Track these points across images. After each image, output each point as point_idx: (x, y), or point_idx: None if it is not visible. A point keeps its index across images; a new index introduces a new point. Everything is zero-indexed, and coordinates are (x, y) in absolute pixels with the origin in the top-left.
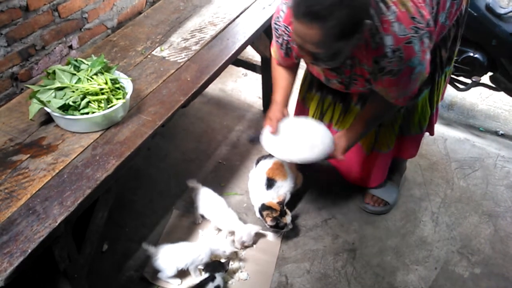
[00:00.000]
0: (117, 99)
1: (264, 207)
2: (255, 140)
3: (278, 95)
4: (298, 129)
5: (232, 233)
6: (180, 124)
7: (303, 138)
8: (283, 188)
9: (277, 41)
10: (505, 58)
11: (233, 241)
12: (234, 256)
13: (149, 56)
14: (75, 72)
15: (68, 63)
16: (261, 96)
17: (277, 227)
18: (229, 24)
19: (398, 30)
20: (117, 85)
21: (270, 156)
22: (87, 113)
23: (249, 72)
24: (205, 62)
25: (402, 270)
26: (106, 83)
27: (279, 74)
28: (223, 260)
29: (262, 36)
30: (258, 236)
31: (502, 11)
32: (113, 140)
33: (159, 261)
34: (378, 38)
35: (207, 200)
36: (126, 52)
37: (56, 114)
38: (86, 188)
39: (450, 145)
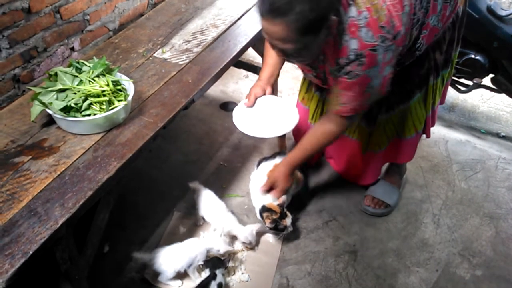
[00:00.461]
0: (119, 101)
1: (264, 209)
2: (227, 108)
3: (263, 73)
4: (265, 106)
5: (233, 236)
6: (182, 126)
7: (265, 115)
8: None
9: None
10: (507, 60)
11: (229, 240)
12: (231, 254)
13: (150, 58)
14: (77, 74)
15: (70, 65)
16: None
17: (276, 229)
18: (230, 26)
19: (364, 36)
20: (118, 87)
21: (271, 158)
22: (89, 115)
23: (251, 74)
24: (206, 64)
25: (403, 272)
26: (107, 85)
27: (268, 52)
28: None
29: (264, 38)
30: (259, 237)
31: (503, 13)
32: (114, 142)
33: (156, 265)
34: (344, 40)
35: (207, 202)
36: (128, 54)
37: (57, 116)
38: (88, 189)
39: (451, 147)
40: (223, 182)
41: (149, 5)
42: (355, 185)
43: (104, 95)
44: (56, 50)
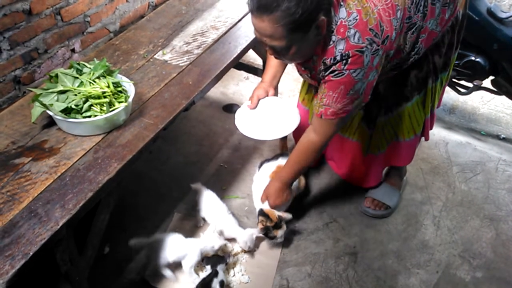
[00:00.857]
0: (119, 102)
1: (261, 213)
2: (230, 110)
3: (266, 74)
4: (267, 108)
5: (233, 239)
6: (182, 127)
7: (266, 117)
8: None
9: None
10: (507, 62)
11: (225, 239)
12: (227, 250)
13: (151, 59)
14: (77, 76)
15: (70, 67)
16: None
17: (266, 236)
18: (231, 28)
19: (352, 37)
20: (119, 89)
21: (273, 159)
22: (89, 116)
23: (251, 76)
24: (207, 66)
25: (403, 274)
26: (108, 87)
27: None
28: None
29: None
30: (259, 241)
31: (503, 15)
32: (115, 143)
33: (151, 252)
34: (332, 41)
35: (209, 204)
36: (129, 55)
37: (58, 117)
38: (88, 191)
39: (451, 148)
40: (223, 183)
41: (149, 7)
42: (355, 187)
43: (105, 97)
44: (57, 51)
